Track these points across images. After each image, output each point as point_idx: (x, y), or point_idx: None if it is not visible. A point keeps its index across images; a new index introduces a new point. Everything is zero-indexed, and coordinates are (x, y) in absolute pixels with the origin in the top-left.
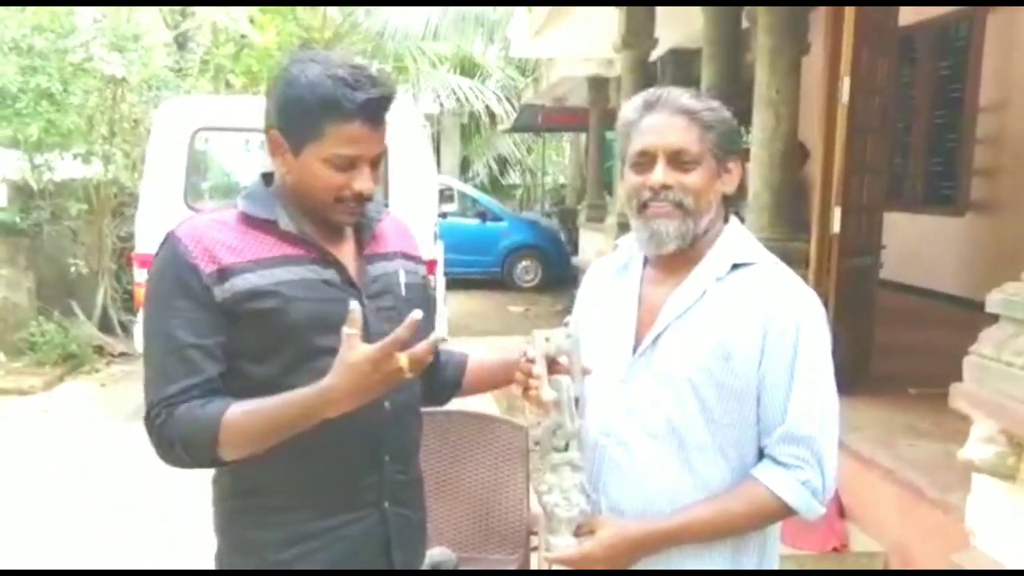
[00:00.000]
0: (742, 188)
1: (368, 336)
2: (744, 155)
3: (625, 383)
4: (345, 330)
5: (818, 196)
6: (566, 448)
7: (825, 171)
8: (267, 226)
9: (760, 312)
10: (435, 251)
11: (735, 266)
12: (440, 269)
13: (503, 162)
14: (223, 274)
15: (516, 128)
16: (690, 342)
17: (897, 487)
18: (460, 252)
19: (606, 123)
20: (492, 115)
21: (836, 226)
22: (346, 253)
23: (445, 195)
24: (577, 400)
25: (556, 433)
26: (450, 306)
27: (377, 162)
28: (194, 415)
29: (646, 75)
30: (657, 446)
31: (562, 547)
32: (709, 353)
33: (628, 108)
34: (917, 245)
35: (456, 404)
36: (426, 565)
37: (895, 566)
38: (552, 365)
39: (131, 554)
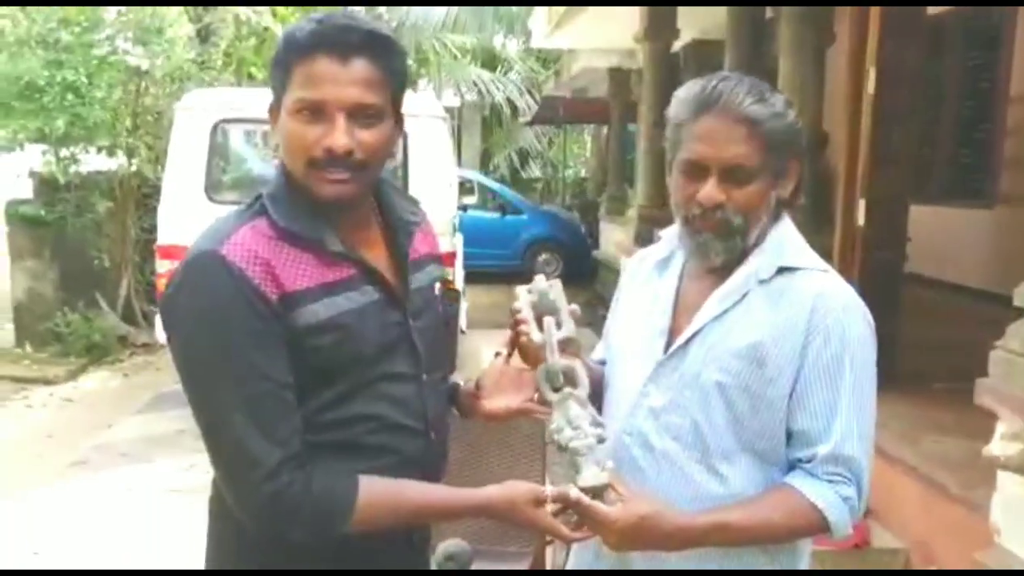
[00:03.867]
0: (798, 190)
1: (417, 360)
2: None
3: (652, 382)
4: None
5: (842, 188)
6: (563, 387)
7: (849, 163)
8: (310, 243)
9: (803, 320)
10: (455, 244)
11: (781, 270)
12: (459, 262)
13: (524, 155)
14: (287, 303)
15: (537, 121)
16: (723, 345)
17: (921, 484)
18: (480, 245)
19: (627, 115)
20: (514, 108)
21: (861, 219)
22: (380, 260)
23: (465, 188)
24: (571, 340)
25: (548, 373)
26: (469, 299)
27: (361, 115)
28: (333, 482)
29: (668, 66)
30: (680, 450)
31: (590, 478)
32: (741, 357)
33: (681, 104)
34: (943, 238)
35: None
36: (440, 557)
37: (917, 563)
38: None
39: (146, 544)
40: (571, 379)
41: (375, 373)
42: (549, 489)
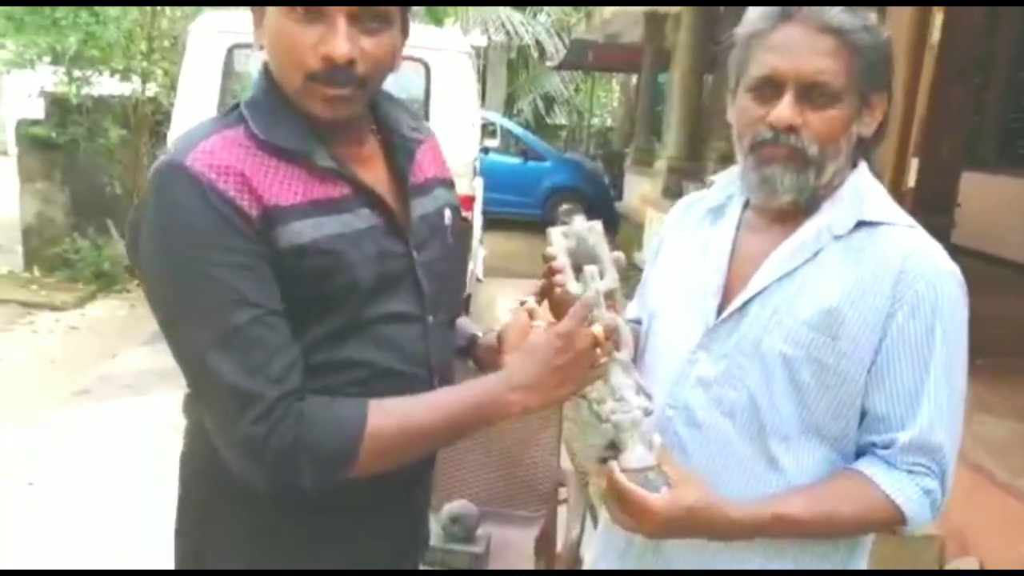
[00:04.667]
0: (881, 130)
1: (421, 299)
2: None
3: (703, 349)
4: (524, 302)
5: (894, 146)
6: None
7: (905, 120)
8: (295, 157)
9: (887, 285)
10: (474, 188)
11: (861, 224)
12: (479, 207)
13: (549, 101)
14: (269, 219)
15: (565, 65)
16: (790, 310)
17: (963, 469)
18: (500, 191)
19: (660, 64)
20: (541, 50)
21: (911, 180)
22: (379, 182)
23: (488, 130)
24: (614, 292)
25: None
26: (488, 246)
27: (367, 17)
28: (332, 412)
29: (708, 10)
30: (733, 428)
31: (634, 459)
32: (812, 326)
33: (756, 15)
34: (988, 208)
35: None
36: (444, 518)
37: (951, 553)
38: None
39: (143, 481)
40: (613, 339)
41: (372, 312)
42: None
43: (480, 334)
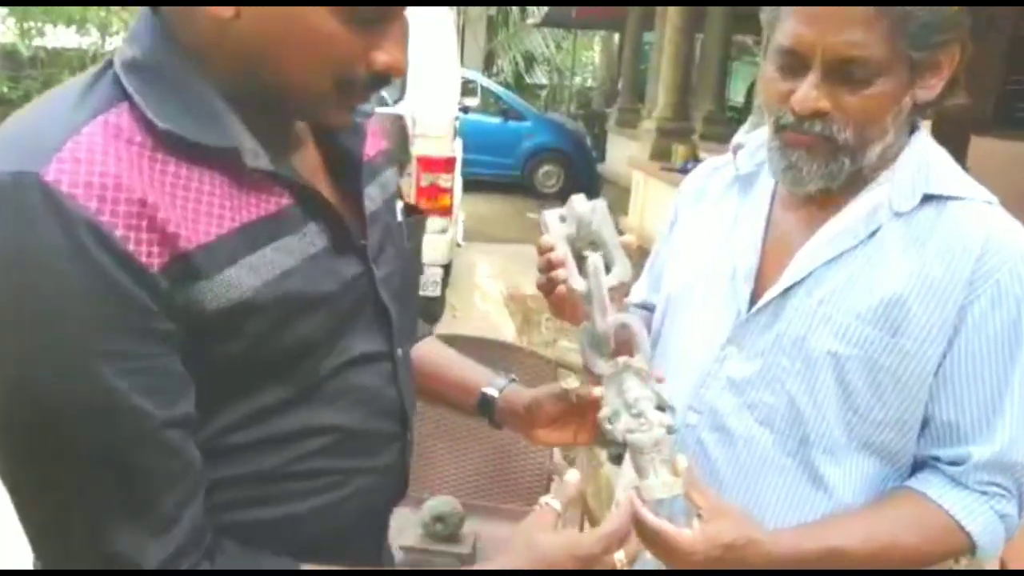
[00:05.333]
0: (952, 86)
1: (388, 330)
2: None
3: (733, 345)
4: (544, 501)
5: None
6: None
7: None
8: (216, 157)
9: (963, 271)
10: (455, 149)
11: (927, 199)
12: (458, 169)
13: (530, 59)
14: (183, 271)
15: (547, 23)
16: (840, 301)
17: None
18: (480, 152)
19: (645, 22)
20: (523, 7)
21: None
22: (316, 176)
23: (468, 88)
24: (623, 285)
25: (594, 337)
26: (466, 210)
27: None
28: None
29: None
30: (770, 439)
31: (659, 487)
32: (868, 320)
33: None
34: (994, 171)
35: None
36: (426, 516)
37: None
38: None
39: None
40: (626, 343)
41: (332, 361)
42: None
43: (496, 392)
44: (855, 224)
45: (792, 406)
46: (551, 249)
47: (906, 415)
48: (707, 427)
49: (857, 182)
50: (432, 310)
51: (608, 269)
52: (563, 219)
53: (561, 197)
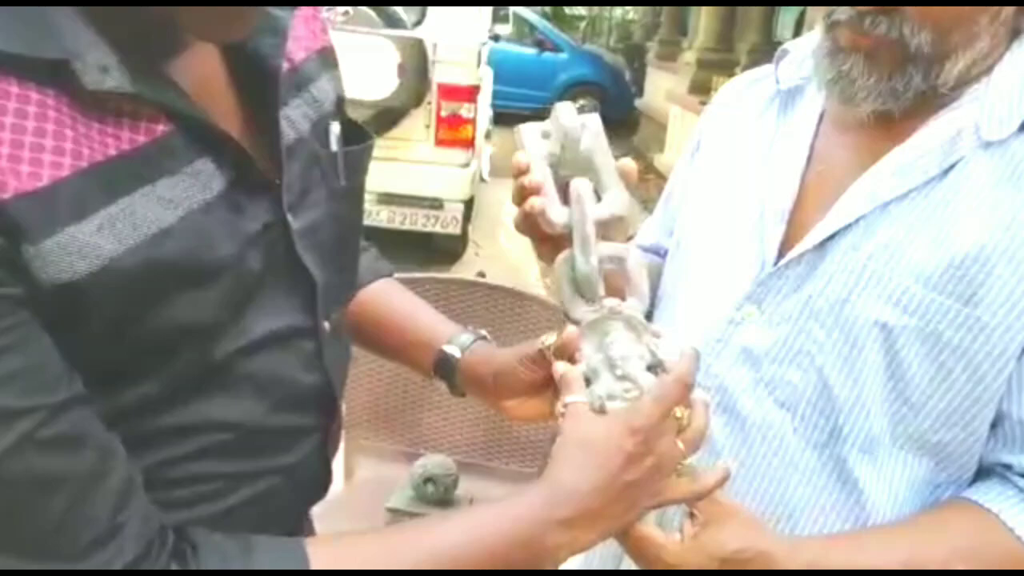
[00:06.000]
0: None
1: (309, 297)
2: None
3: (753, 304)
4: (566, 400)
5: None
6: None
7: None
8: (45, 70)
9: None
10: (480, 77)
11: None
12: (487, 99)
13: None
14: (14, 229)
15: None
16: (899, 256)
17: None
18: (512, 84)
19: None
20: None
21: None
22: (212, 95)
23: (499, 15)
24: (620, 220)
25: (578, 277)
26: (495, 143)
27: None
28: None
29: None
30: (792, 427)
31: None
32: (935, 282)
33: None
34: None
35: (497, 268)
36: (416, 477)
37: None
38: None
39: None
40: (592, 292)
41: (234, 342)
42: None
43: (458, 351)
44: (926, 156)
45: (823, 388)
46: (526, 171)
47: (974, 409)
48: (713, 407)
49: (930, 102)
50: (453, 248)
51: (599, 198)
52: (546, 136)
53: None
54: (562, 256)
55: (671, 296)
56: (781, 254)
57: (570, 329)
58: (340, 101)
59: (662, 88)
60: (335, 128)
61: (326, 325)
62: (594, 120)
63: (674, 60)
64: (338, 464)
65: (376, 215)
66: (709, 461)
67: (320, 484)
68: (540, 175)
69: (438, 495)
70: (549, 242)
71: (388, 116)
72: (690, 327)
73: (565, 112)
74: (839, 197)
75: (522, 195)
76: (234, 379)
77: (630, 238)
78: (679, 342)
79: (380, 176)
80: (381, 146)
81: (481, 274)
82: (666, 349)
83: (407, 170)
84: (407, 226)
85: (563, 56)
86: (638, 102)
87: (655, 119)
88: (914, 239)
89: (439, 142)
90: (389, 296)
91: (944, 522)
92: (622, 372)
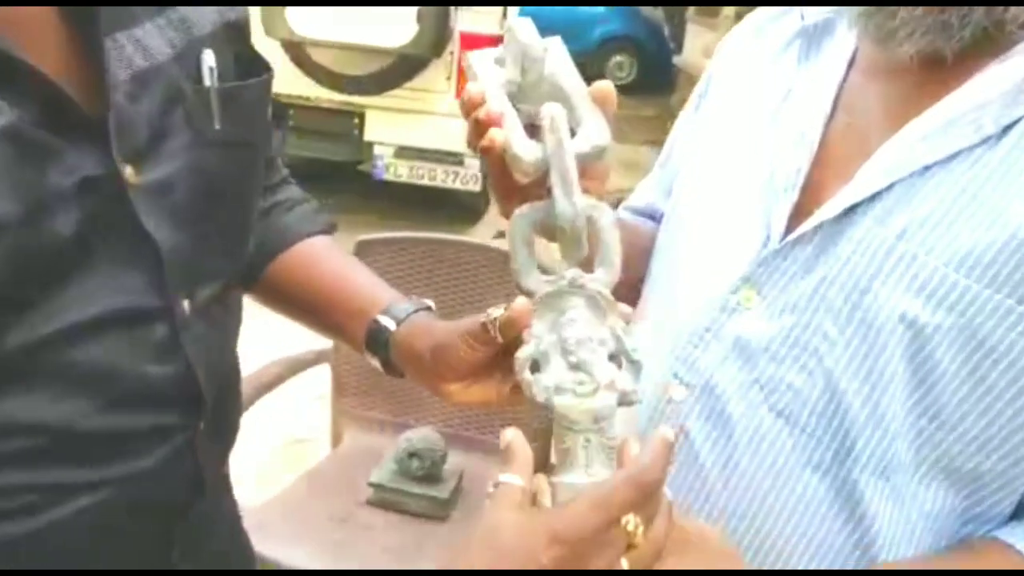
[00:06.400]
0: None
1: (156, 271)
2: None
3: (749, 287)
4: (502, 479)
5: None
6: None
7: None
8: None
9: None
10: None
11: None
12: None
13: None
14: None
15: None
16: (939, 235)
17: None
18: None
19: None
20: None
21: None
22: (21, 18)
23: None
24: (599, 152)
25: (560, 222)
26: None
27: None
28: None
29: None
30: (788, 440)
31: (580, 485)
32: (980, 270)
33: None
34: None
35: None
36: (400, 452)
37: None
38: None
39: None
40: (577, 248)
41: (30, 331)
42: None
43: (392, 324)
44: (982, 109)
45: (832, 396)
46: (480, 103)
47: (1020, 432)
48: (696, 410)
49: (991, 43)
50: (474, 205)
51: (572, 132)
52: (501, 63)
53: (630, 90)
54: (521, 209)
55: (661, 272)
56: (790, 228)
57: (520, 301)
58: (235, 26)
59: (702, 44)
60: (209, 58)
61: (185, 305)
62: (557, 43)
63: (715, 15)
64: (325, 432)
65: (395, 170)
66: (683, 471)
67: (191, 495)
68: (498, 104)
69: (423, 470)
70: (518, 195)
71: (406, 65)
72: (676, 309)
73: (523, 28)
74: (867, 158)
75: (478, 132)
76: (44, 373)
77: (618, 202)
78: (649, 346)
79: (398, 129)
80: (399, 97)
81: (501, 234)
82: (635, 337)
83: (426, 123)
84: (426, 182)
85: (599, 10)
86: (677, 59)
87: (694, 77)
88: (958, 215)
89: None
90: (319, 257)
91: (972, 566)
92: (576, 360)
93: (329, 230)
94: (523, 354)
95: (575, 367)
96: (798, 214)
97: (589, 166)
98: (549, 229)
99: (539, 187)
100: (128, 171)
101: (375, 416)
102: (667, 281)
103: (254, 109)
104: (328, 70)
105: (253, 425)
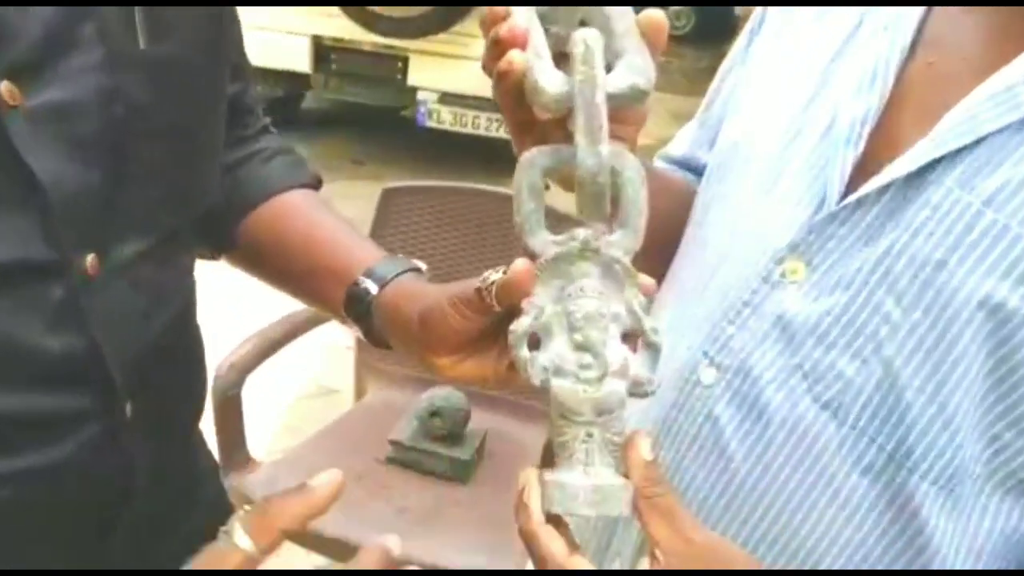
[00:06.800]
0: None
1: (43, 217)
2: None
3: (796, 257)
4: (224, 530)
5: None
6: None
7: None
8: None
9: None
10: None
11: None
12: None
13: None
14: None
15: None
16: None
17: None
18: None
19: None
20: None
21: None
22: None
23: None
24: (638, 95)
25: (580, 173)
26: None
27: None
28: None
29: None
30: (835, 436)
31: (582, 496)
32: None
33: None
34: None
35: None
36: (422, 411)
37: None
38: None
39: None
40: (597, 206)
41: None
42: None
43: (375, 287)
44: None
45: (890, 389)
46: (502, 17)
47: None
48: (727, 396)
49: None
50: (504, 154)
51: (609, 67)
52: None
53: (687, 41)
54: (532, 153)
55: (696, 234)
56: (851, 189)
57: (519, 263)
58: None
59: None
60: None
61: (89, 263)
62: None
63: None
64: (348, 385)
65: (438, 116)
66: (707, 468)
67: (123, 489)
68: (524, 20)
69: (445, 430)
70: (535, 131)
71: (450, 9)
72: (710, 279)
73: None
74: (953, 106)
75: (497, 52)
76: None
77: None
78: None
79: (443, 74)
80: (443, 41)
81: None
82: (654, 318)
83: (471, 69)
84: (469, 129)
85: None
86: (738, 11)
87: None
88: None
89: None
90: (298, 213)
91: None
92: (583, 338)
93: (314, 184)
94: (520, 326)
95: (581, 346)
96: (862, 172)
97: (623, 110)
98: (566, 179)
99: (562, 127)
100: (6, 88)
101: (398, 371)
102: (702, 245)
103: (200, 29)
104: (368, 11)
105: (281, 373)
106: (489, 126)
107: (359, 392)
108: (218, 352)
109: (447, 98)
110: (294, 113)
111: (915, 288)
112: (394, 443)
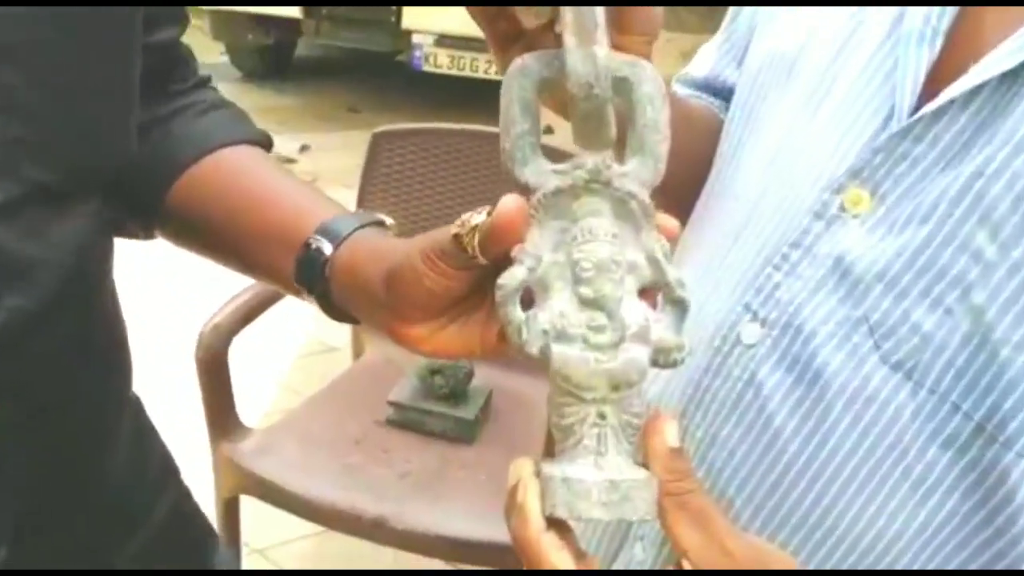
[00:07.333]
0: None
1: None
2: None
3: (858, 184)
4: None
5: None
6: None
7: None
8: None
9: None
10: None
11: None
12: None
13: None
14: None
15: None
16: None
17: None
18: None
19: None
20: None
21: None
22: None
23: None
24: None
25: (572, 84)
26: None
27: None
28: None
29: None
30: (910, 404)
31: (594, 494)
32: None
33: None
34: None
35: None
36: (424, 365)
37: None
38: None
39: None
40: (597, 126)
41: None
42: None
43: (329, 246)
44: None
45: (979, 346)
46: None
47: None
48: (774, 356)
49: None
50: None
51: None
52: None
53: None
54: (523, 59)
55: (727, 167)
56: (926, 98)
57: (507, 201)
58: None
59: None
60: None
61: None
62: None
63: None
64: (346, 343)
65: (434, 60)
66: (749, 444)
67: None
68: None
69: (447, 388)
70: (520, 46)
71: None
72: (749, 218)
73: None
74: (1005, 37)
75: None
76: None
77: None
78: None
79: (439, 15)
80: None
81: (548, 129)
82: (677, 269)
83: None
84: (468, 72)
85: None
86: None
87: None
88: None
89: None
90: (239, 171)
91: None
92: (593, 293)
93: (260, 140)
94: (511, 280)
95: (590, 303)
96: (937, 78)
97: (627, 12)
98: (562, 98)
99: (554, 37)
100: None
101: None
102: (734, 180)
103: None
104: None
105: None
106: (489, 68)
107: (357, 350)
108: (206, 313)
109: (444, 40)
110: (287, 62)
111: (1016, 218)
112: (394, 404)
